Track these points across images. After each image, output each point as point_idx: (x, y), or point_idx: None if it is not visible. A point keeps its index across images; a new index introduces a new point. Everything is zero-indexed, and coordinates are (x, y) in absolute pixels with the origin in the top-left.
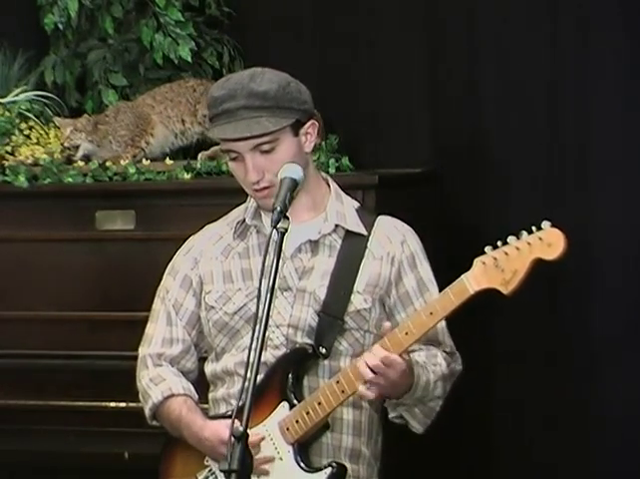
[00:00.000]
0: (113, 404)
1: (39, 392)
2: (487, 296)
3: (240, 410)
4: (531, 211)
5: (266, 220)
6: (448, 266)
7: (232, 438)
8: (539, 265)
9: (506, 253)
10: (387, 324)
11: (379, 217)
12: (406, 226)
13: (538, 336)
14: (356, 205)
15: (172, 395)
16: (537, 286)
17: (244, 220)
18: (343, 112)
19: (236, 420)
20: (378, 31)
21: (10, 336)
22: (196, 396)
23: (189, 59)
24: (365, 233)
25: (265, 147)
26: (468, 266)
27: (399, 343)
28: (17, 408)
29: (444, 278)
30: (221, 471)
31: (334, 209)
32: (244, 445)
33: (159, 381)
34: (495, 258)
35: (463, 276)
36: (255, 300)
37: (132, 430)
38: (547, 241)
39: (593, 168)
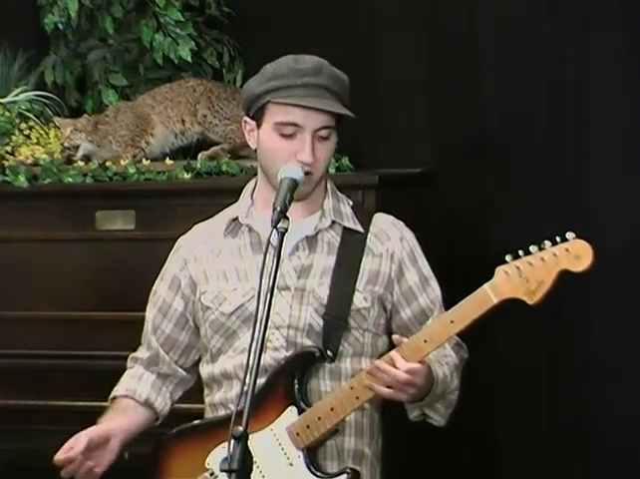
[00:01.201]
0: None
1: (39, 392)
2: None
3: (240, 414)
4: (531, 211)
5: (259, 219)
6: (447, 267)
7: (232, 439)
8: None
9: (531, 264)
10: (396, 337)
11: (375, 214)
12: (401, 222)
13: (538, 337)
14: (351, 202)
15: (115, 398)
16: None
17: (237, 218)
18: None
19: (236, 423)
20: (378, 31)
21: (10, 336)
22: (143, 397)
23: (189, 59)
24: (362, 230)
25: (324, 132)
26: (467, 267)
27: (419, 351)
28: (17, 408)
29: (443, 278)
30: (221, 471)
31: (331, 205)
32: (244, 445)
33: (117, 385)
34: (519, 268)
35: (485, 285)
36: (252, 300)
37: None
38: (575, 253)
39: (593, 168)
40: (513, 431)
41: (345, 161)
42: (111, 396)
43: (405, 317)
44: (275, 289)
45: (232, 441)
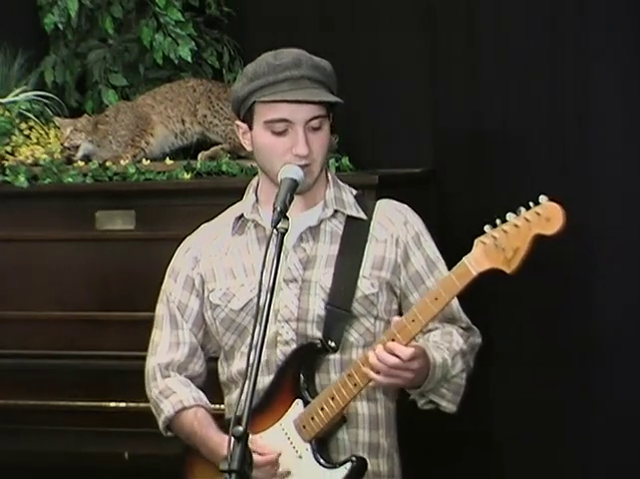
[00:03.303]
0: (113, 404)
1: (39, 392)
2: (486, 285)
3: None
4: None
5: (264, 214)
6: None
7: (232, 438)
8: (541, 251)
9: (505, 231)
10: (395, 319)
11: (379, 200)
12: (405, 205)
13: (539, 323)
14: (354, 192)
15: (184, 408)
16: (537, 274)
17: (242, 215)
18: (343, 112)
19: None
20: (378, 31)
21: (10, 336)
22: (208, 404)
23: (189, 59)
24: (365, 217)
25: (315, 122)
26: None
27: (407, 332)
28: (17, 408)
29: None
30: (221, 471)
31: (332, 195)
32: (244, 445)
33: (168, 394)
34: (495, 237)
35: (464, 258)
36: (260, 295)
37: (132, 430)
38: (545, 216)
39: (595, 169)
40: (513, 427)
41: (345, 161)
42: (179, 408)
43: (413, 302)
44: (282, 282)
45: (232, 441)
